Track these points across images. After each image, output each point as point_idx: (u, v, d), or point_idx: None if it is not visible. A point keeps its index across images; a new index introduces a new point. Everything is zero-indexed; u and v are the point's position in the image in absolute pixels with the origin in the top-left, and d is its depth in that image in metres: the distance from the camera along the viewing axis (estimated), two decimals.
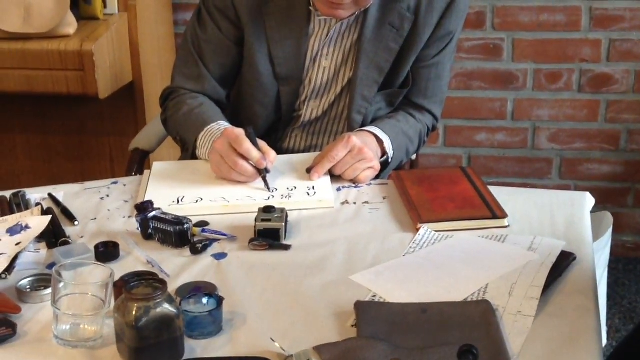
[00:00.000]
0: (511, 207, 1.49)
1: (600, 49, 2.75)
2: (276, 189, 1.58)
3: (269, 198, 1.54)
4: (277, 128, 1.85)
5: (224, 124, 1.68)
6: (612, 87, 2.79)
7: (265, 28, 1.72)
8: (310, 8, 1.69)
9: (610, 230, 1.54)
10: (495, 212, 1.47)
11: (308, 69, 1.77)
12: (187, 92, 1.80)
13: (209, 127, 1.68)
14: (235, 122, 1.76)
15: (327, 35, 1.73)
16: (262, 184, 1.58)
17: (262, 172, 1.58)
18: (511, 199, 1.53)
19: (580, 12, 2.72)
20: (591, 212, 1.54)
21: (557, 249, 1.34)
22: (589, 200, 1.56)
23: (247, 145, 1.55)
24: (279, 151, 1.85)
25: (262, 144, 1.60)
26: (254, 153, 1.55)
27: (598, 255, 1.47)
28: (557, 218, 1.48)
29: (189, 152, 1.73)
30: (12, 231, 1.36)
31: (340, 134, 1.84)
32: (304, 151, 1.87)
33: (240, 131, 1.58)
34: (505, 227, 1.45)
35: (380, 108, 1.82)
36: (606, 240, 1.53)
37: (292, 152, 1.87)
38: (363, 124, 1.79)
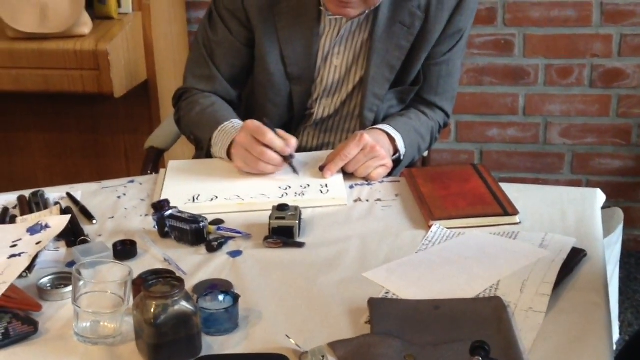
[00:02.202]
0: (522, 204, 1.50)
1: (611, 44, 2.75)
2: (289, 187, 1.59)
3: (282, 196, 1.56)
4: (290, 126, 1.86)
5: (237, 122, 1.70)
6: (623, 82, 2.79)
7: (276, 28, 1.73)
8: (321, 8, 1.71)
9: (621, 227, 1.55)
10: (506, 209, 1.48)
11: (319, 68, 1.78)
12: (199, 92, 1.82)
13: (222, 125, 1.70)
14: None
15: (337, 34, 1.74)
16: (284, 174, 1.61)
17: (288, 159, 1.61)
18: (522, 196, 1.54)
19: (591, 7, 2.72)
20: (602, 207, 1.55)
21: (568, 246, 1.35)
22: (599, 196, 1.57)
23: (270, 135, 1.57)
24: None
25: (281, 132, 1.62)
26: (277, 142, 1.58)
27: (609, 251, 1.47)
28: (568, 215, 1.49)
29: (203, 151, 1.75)
30: (32, 230, 1.39)
31: (353, 131, 1.86)
32: (316, 149, 1.89)
33: (259, 123, 1.60)
34: (517, 224, 1.46)
35: (391, 105, 1.83)
36: (617, 236, 1.54)
37: (305, 150, 1.89)
38: (375, 122, 1.81)
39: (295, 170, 1.62)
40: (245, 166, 1.62)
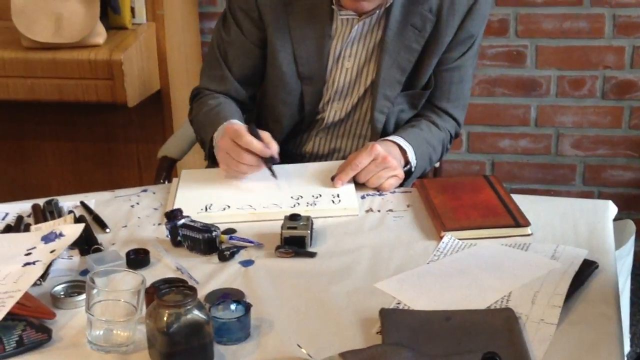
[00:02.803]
0: (534, 216, 1.50)
1: (623, 55, 2.75)
2: (301, 197, 1.60)
3: (294, 206, 1.57)
4: (301, 130, 1.88)
5: (236, 123, 1.70)
6: (635, 94, 2.79)
7: (289, 27, 1.75)
8: (333, 7, 1.72)
9: (632, 239, 1.55)
10: (518, 220, 1.48)
11: (331, 70, 1.79)
12: (210, 93, 1.84)
13: (222, 126, 1.71)
14: (260, 122, 1.80)
15: (348, 35, 1.75)
16: (266, 179, 1.62)
17: (268, 162, 1.61)
18: (534, 207, 1.54)
19: (604, 19, 2.72)
20: (614, 219, 1.55)
21: (580, 258, 1.35)
22: (611, 208, 1.56)
23: (247, 138, 1.58)
24: (303, 155, 1.88)
25: (264, 135, 1.62)
26: (255, 144, 1.59)
27: (620, 263, 1.47)
28: (579, 226, 1.49)
29: (206, 152, 1.77)
30: (46, 239, 1.40)
31: (364, 137, 1.87)
32: (327, 155, 1.90)
33: (239, 126, 1.62)
34: (528, 235, 1.46)
35: (402, 110, 1.83)
36: (629, 248, 1.54)
37: (316, 155, 1.90)
38: (386, 125, 1.81)
39: (273, 174, 1.63)
40: (227, 168, 1.64)
